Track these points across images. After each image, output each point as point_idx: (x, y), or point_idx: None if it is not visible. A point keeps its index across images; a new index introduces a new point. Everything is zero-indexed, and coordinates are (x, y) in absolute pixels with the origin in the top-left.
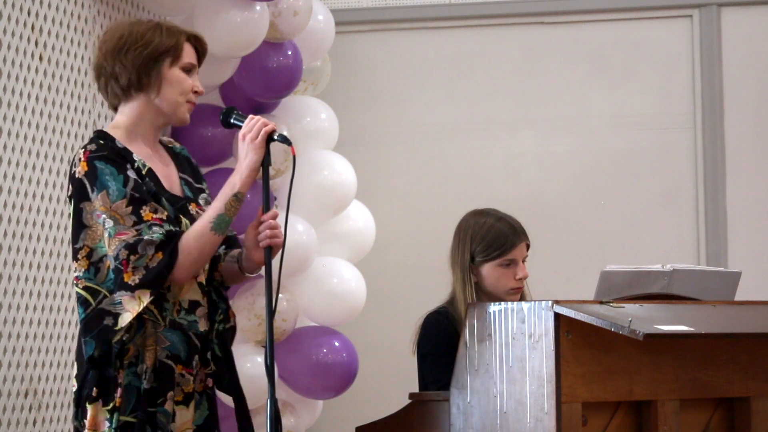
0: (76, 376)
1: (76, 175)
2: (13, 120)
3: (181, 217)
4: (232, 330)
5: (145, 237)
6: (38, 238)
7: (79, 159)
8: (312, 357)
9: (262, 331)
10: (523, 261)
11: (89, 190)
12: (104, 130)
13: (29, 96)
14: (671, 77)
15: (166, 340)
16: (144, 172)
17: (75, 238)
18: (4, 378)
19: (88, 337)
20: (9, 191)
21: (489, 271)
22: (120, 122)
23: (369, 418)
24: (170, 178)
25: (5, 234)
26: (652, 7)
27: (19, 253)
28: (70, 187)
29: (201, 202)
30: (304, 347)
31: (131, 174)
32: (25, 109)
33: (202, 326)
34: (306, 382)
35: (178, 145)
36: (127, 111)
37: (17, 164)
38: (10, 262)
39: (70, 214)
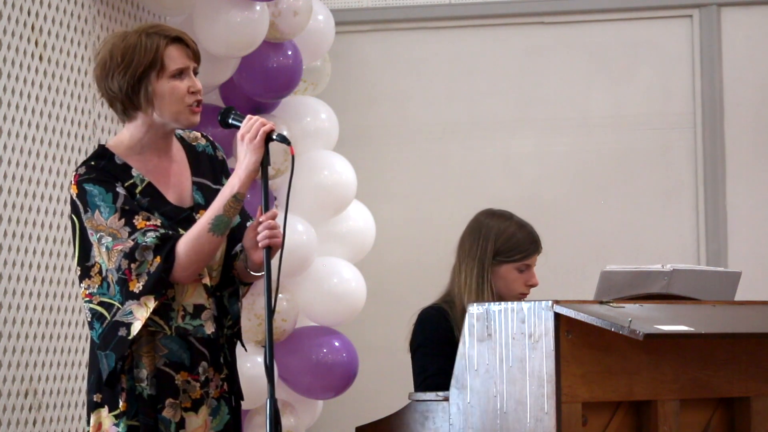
0: (88, 381)
1: (73, 196)
2: (13, 120)
3: (180, 230)
4: (239, 332)
5: (141, 243)
6: (38, 238)
7: (71, 182)
8: (312, 357)
9: (262, 331)
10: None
11: (82, 211)
12: (106, 146)
13: (29, 96)
14: (671, 77)
15: (164, 348)
16: (140, 189)
17: (86, 256)
18: (4, 378)
19: (108, 350)
20: (9, 191)
21: (506, 272)
22: (124, 137)
23: (369, 418)
24: (179, 186)
25: (5, 234)
26: (652, 7)
27: (19, 253)
28: (71, 206)
29: None
30: (304, 347)
31: (120, 190)
32: (25, 109)
33: (209, 329)
34: (306, 382)
35: (202, 141)
36: (131, 128)
37: (17, 164)
38: (10, 262)
39: (74, 232)
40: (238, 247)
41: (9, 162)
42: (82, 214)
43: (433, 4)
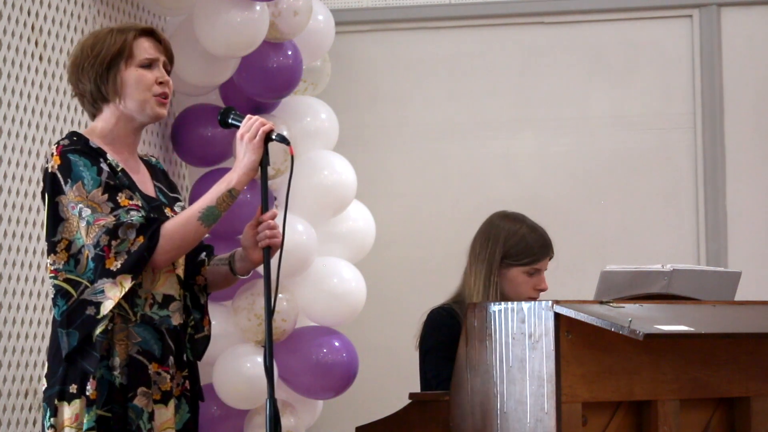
0: (47, 375)
1: (49, 170)
2: (13, 120)
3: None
4: (206, 339)
5: (125, 221)
6: (38, 238)
7: (52, 154)
8: (312, 357)
9: (262, 331)
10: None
11: (62, 183)
12: (78, 131)
13: (29, 96)
14: (671, 77)
15: (137, 335)
16: (118, 170)
17: (52, 232)
18: (4, 378)
19: (71, 328)
20: (9, 191)
21: (515, 275)
22: (95, 127)
23: (369, 418)
24: (146, 184)
25: (5, 234)
26: (652, 7)
27: (19, 253)
28: (43, 183)
29: (177, 209)
30: (304, 347)
31: (104, 166)
32: (25, 109)
33: (176, 320)
34: (306, 382)
35: (153, 158)
36: (101, 119)
37: (17, 164)
38: (10, 262)
39: (42, 209)
40: (203, 255)
41: (9, 162)
42: (63, 186)
43: (433, 4)
